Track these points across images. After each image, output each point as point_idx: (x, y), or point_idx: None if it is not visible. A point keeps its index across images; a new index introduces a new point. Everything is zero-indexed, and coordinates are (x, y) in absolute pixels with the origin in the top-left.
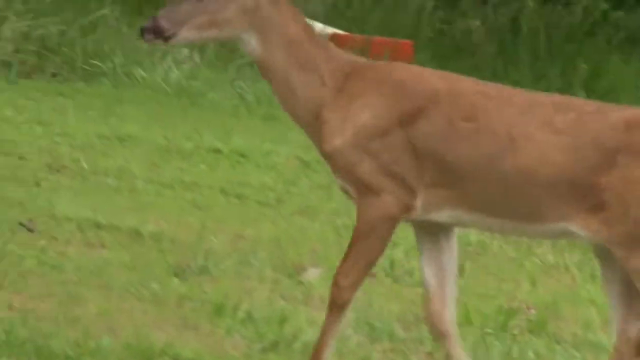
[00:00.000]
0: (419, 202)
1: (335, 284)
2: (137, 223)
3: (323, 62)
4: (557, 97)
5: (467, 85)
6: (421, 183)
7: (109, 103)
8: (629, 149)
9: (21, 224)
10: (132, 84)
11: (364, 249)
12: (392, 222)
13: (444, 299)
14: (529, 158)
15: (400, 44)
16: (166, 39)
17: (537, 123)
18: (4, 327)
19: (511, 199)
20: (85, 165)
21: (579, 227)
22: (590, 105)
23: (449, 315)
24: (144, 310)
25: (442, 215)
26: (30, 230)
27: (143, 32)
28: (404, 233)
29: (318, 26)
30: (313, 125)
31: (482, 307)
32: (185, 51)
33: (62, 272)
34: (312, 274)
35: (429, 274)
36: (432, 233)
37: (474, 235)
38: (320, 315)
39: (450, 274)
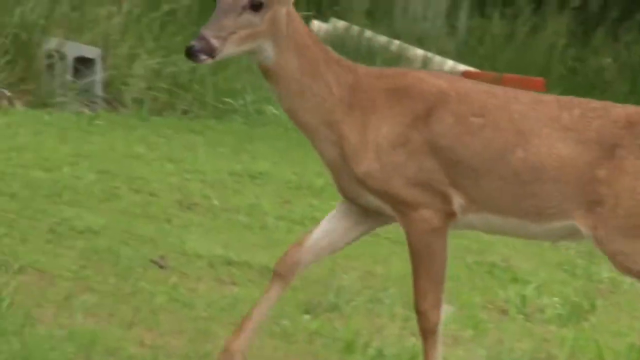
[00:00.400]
0: (456, 206)
1: (418, 312)
2: (268, 260)
3: (329, 71)
4: (561, 97)
5: (471, 85)
6: (449, 186)
7: (240, 140)
8: (628, 143)
9: (152, 261)
10: (263, 121)
11: (427, 268)
12: (440, 232)
13: (315, 255)
14: (538, 153)
15: (531, 81)
16: (214, 56)
17: (544, 119)
18: None
19: (519, 196)
20: (216, 202)
21: (581, 224)
22: (595, 103)
23: (301, 269)
24: (275, 346)
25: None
26: (161, 267)
27: (196, 52)
28: (535, 269)
29: (449, 63)
30: (322, 132)
31: (615, 345)
32: None
33: (193, 309)
34: (445, 311)
35: (324, 228)
36: (363, 211)
37: (605, 272)
38: (452, 352)
39: (338, 244)
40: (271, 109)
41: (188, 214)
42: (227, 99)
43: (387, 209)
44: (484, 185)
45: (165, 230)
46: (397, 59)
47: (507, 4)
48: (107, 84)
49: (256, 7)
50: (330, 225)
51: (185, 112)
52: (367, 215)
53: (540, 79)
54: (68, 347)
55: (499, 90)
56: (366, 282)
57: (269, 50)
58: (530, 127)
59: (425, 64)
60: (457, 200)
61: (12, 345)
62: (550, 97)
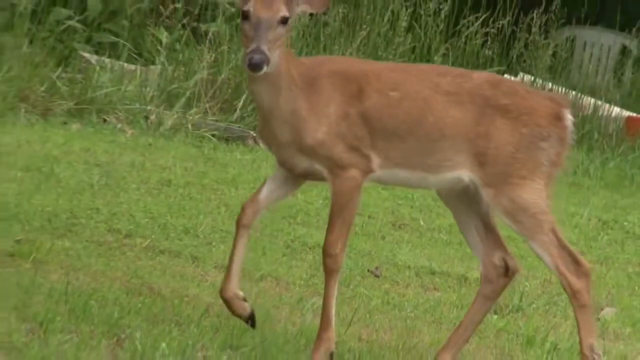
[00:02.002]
0: (375, 165)
1: (329, 255)
2: (464, 270)
3: (294, 68)
4: (429, 65)
5: (379, 65)
6: (373, 149)
7: None
8: (494, 103)
9: (369, 271)
10: None
11: (344, 218)
12: (359, 188)
13: (267, 205)
14: (440, 116)
15: None
16: (269, 65)
17: (432, 87)
18: (354, 355)
19: (426, 153)
20: (422, 223)
21: (467, 173)
22: (453, 70)
23: (257, 219)
24: (470, 341)
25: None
26: (376, 276)
27: (257, 65)
28: None
29: (616, 110)
30: (286, 120)
31: None
32: None
33: (402, 310)
34: (608, 313)
35: (270, 188)
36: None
37: None
38: (614, 346)
39: (278, 200)
40: None
41: (399, 232)
42: None
43: (322, 171)
44: (399, 147)
45: (380, 245)
46: (572, 106)
47: None
48: None
49: (285, 21)
50: (272, 186)
51: None
52: (294, 181)
53: None
54: (299, 341)
55: (393, 66)
56: (545, 288)
57: (276, 60)
58: (428, 94)
59: (596, 110)
60: (376, 161)
61: (254, 339)
62: (426, 67)
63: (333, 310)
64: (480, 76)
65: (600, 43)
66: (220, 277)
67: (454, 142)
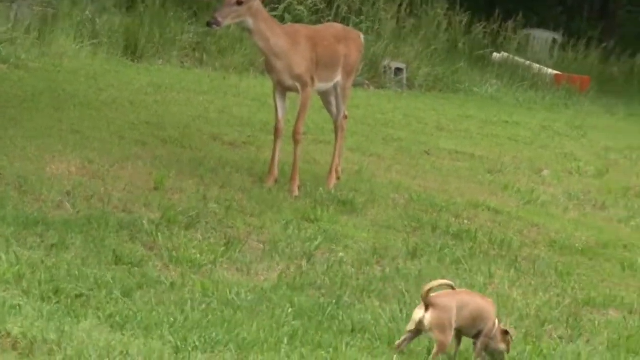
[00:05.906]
0: (315, 82)
1: (297, 134)
2: (473, 151)
3: (276, 26)
4: (332, 25)
5: (312, 27)
6: (315, 74)
7: None
8: (347, 38)
9: (425, 151)
10: None
11: (307, 111)
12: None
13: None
14: (340, 51)
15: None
16: (220, 26)
17: (335, 36)
18: (416, 192)
19: (331, 72)
20: (452, 127)
21: (340, 76)
22: (336, 25)
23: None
24: None
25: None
26: (428, 154)
27: (211, 24)
28: None
29: (550, 70)
30: (277, 54)
31: None
32: None
33: (441, 170)
34: (546, 173)
35: (281, 106)
36: (285, 94)
37: None
38: (547, 190)
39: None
40: None
41: (441, 132)
42: None
43: (297, 87)
44: (324, 71)
45: (430, 139)
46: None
47: None
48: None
49: (240, 4)
50: (281, 104)
51: None
52: (286, 94)
53: (587, 77)
54: (390, 189)
55: (314, 28)
56: (514, 160)
57: (249, 22)
58: (334, 43)
59: (540, 70)
60: (316, 81)
61: (366, 186)
62: (332, 25)
63: (298, 163)
64: (339, 26)
65: (542, 37)
66: None
67: (339, 63)
